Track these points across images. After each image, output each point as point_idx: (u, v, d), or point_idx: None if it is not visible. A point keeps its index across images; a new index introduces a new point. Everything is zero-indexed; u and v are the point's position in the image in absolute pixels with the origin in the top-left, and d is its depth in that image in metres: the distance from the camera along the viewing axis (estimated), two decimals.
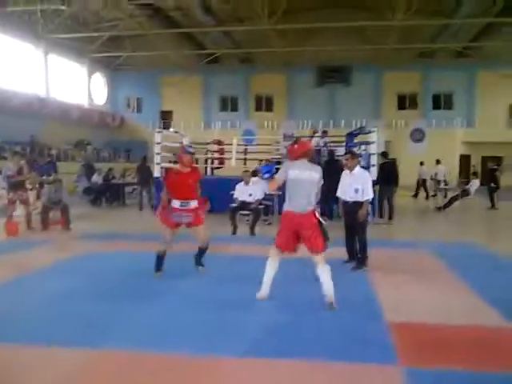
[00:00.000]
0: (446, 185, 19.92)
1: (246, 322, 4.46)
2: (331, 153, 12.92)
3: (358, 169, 6.83)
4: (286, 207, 5.07)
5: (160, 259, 6.17)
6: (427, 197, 19.93)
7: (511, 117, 32.46)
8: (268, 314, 4.72)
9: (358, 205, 6.59)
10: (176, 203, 6.03)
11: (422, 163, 20.99)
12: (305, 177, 5.01)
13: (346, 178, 6.86)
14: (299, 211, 4.96)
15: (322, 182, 5.19)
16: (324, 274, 4.88)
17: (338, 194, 6.94)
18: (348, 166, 6.83)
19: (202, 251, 6.36)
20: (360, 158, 13.37)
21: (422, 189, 20.42)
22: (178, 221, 6.04)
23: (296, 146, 5.30)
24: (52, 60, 29.08)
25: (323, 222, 5.03)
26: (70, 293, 5.41)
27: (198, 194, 6.19)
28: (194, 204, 6.08)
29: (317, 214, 5.04)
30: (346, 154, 7.48)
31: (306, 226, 4.93)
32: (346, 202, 6.80)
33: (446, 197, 18.34)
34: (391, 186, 12.02)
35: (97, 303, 5.03)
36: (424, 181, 20.37)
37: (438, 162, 20.46)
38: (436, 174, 20.09)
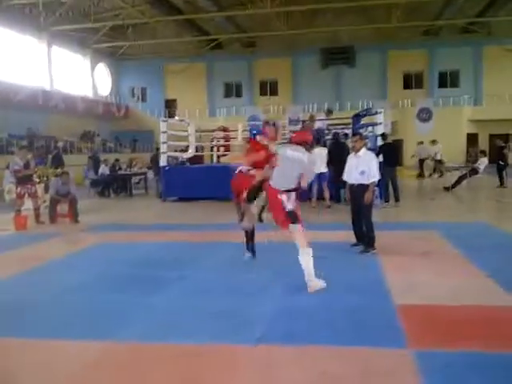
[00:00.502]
0: (440, 163, 20.14)
1: (256, 309, 4.46)
2: (336, 136, 12.82)
3: (363, 151, 6.77)
4: (273, 184, 5.16)
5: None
6: (421, 175, 20.27)
7: None
8: (277, 299, 4.72)
9: (364, 187, 6.54)
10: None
11: (421, 142, 21.13)
12: (296, 156, 5.08)
13: (351, 160, 6.82)
14: (279, 187, 5.06)
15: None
16: (302, 258, 4.88)
17: (344, 177, 6.90)
18: (355, 147, 6.80)
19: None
20: (366, 140, 13.32)
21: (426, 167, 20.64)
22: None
23: (295, 133, 5.39)
24: (55, 52, 29.03)
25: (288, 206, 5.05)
26: (80, 285, 5.44)
27: None
28: None
29: (284, 195, 5.06)
30: (353, 135, 7.43)
31: (272, 197, 5.11)
32: (352, 185, 6.76)
33: (433, 173, 19.45)
34: (392, 167, 11.90)
35: (108, 295, 5.06)
36: (422, 160, 20.47)
37: (433, 141, 20.58)
38: (436, 154, 20.20)
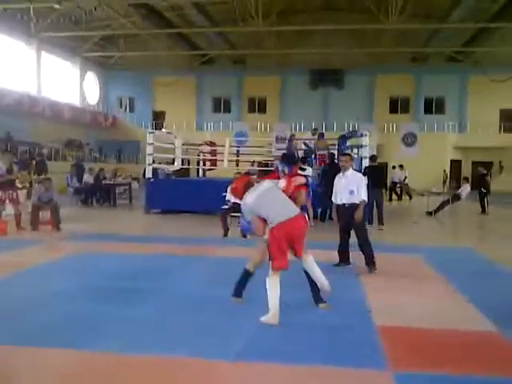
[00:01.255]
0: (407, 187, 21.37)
1: (236, 326, 4.43)
2: (331, 156, 12.88)
3: (350, 171, 6.85)
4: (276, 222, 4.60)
5: (245, 280, 5.07)
6: (399, 198, 21.09)
7: (502, 121, 32.66)
8: (258, 316, 4.69)
9: (354, 207, 6.57)
10: None
11: (394, 167, 21.83)
12: (264, 187, 4.81)
13: (339, 181, 6.86)
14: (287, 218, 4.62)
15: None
16: (309, 265, 4.79)
17: (333, 198, 6.91)
18: (345, 167, 6.83)
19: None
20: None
21: (403, 192, 21.59)
22: None
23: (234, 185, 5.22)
24: (44, 58, 28.91)
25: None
26: (59, 293, 5.35)
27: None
28: None
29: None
30: (343, 155, 7.50)
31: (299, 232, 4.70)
32: (341, 206, 6.76)
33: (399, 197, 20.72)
34: (378, 189, 11.96)
35: (86, 304, 4.98)
36: (395, 184, 21.05)
37: (401, 166, 21.25)
38: (405, 178, 20.86)
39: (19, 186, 11.70)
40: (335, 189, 6.87)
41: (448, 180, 27.85)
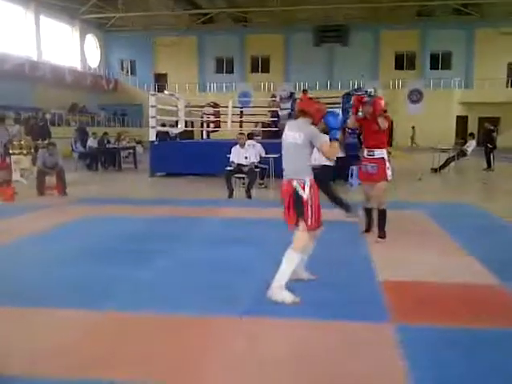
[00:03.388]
0: None
1: (243, 283, 4.50)
2: None
3: None
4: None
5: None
6: None
7: (510, 76, 32.09)
8: (265, 274, 4.75)
9: None
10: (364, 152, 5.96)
11: None
12: (289, 139, 4.13)
13: None
14: (285, 178, 4.20)
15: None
16: (284, 259, 4.11)
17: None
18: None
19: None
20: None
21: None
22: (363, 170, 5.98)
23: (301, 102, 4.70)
24: (43, 22, 28.46)
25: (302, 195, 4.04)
26: (67, 257, 5.43)
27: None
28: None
29: (296, 184, 4.05)
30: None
31: (284, 195, 4.17)
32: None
33: None
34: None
35: (95, 266, 5.05)
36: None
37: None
38: None
39: (24, 151, 11.75)
40: None
41: (415, 136, 27.94)
